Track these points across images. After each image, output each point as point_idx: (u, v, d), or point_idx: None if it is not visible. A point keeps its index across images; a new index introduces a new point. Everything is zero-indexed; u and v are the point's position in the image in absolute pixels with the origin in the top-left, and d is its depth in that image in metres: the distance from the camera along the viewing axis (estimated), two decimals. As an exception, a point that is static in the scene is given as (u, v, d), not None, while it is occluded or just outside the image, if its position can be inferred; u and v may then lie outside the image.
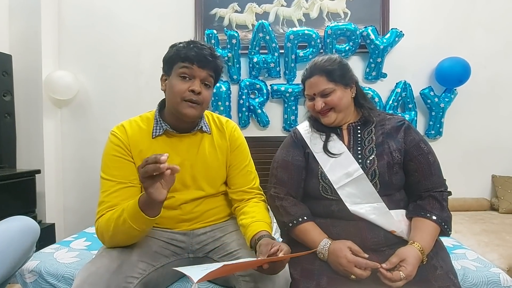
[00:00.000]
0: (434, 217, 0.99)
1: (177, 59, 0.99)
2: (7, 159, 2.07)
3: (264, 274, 0.87)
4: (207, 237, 1.10)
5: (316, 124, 1.15)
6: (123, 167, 1.01)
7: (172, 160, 1.05)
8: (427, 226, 0.99)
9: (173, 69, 1.01)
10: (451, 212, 1.04)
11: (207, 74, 1.01)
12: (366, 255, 0.93)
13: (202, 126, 1.10)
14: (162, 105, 1.11)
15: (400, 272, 0.88)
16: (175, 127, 1.06)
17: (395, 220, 1.00)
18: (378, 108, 1.23)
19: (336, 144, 1.09)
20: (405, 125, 1.10)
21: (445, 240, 1.17)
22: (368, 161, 1.05)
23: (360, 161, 1.05)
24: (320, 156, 1.09)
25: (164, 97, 1.09)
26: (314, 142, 1.12)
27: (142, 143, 1.04)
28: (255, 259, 0.86)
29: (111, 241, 0.94)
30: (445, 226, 1.01)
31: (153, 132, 1.06)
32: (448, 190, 1.07)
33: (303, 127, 1.18)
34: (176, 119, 1.05)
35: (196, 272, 0.76)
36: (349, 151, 1.07)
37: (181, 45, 1.01)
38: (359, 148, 1.08)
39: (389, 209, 1.01)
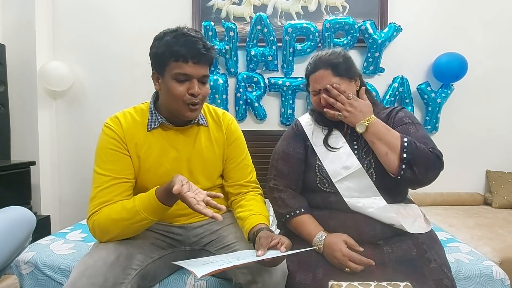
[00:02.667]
0: (406, 136, 0.98)
1: (169, 57, 0.92)
2: (1, 151, 2.05)
3: (262, 267, 0.88)
4: (204, 230, 1.09)
5: (320, 118, 1.14)
6: (119, 161, 0.98)
7: (168, 154, 1.04)
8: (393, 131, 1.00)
9: (166, 70, 0.94)
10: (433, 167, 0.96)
11: (203, 70, 0.95)
12: (361, 249, 0.94)
13: (198, 119, 1.07)
14: (156, 96, 1.07)
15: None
16: (171, 120, 1.03)
17: (393, 214, 1.00)
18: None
19: (337, 139, 1.09)
20: (396, 109, 1.11)
21: (439, 234, 1.19)
22: (364, 152, 1.05)
23: (356, 152, 1.06)
24: (319, 149, 1.09)
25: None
26: (316, 135, 1.12)
27: (137, 136, 1.01)
28: (254, 251, 0.86)
29: (113, 238, 0.93)
30: (409, 144, 0.95)
31: (148, 125, 1.02)
32: (440, 155, 0.98)
33: (305, 120, 1.18)
34: (173, 115, 1.02)
35: (197, 267, 0.76)
36: (345, 140, 1.08)
37: (169, 38, 0.92)
38: (355, 138, 1.08)
39: (387, 203, 1.01)
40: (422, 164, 0.94)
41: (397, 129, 1.04)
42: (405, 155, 0.95)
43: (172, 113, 1.01)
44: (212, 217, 0.81)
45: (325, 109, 1.07)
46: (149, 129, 1.02)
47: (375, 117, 1.02)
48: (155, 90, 1.07)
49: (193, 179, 1.08)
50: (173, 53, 0.91)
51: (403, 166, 0.95)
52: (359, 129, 1.01)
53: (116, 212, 0.90)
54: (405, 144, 0.95)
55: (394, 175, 0.97)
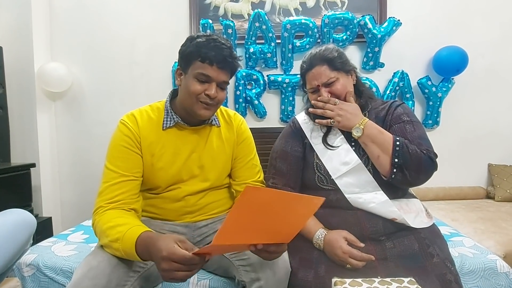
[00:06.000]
0: (399, 138, 0.98)
1: (196, 57, 0.96)
2: (1, 153, 2.04)
3: (265, 264, 0.87)
4: (209, 229, 1.10)
5: (318, 116, 1.14)
6: (129, 159, 0.99)
7: (181, 153, 1.06)
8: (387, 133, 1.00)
9: (190, 67, 0.98)
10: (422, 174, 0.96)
11: (224, 76, 0.99)
12: (362, 245, 0.94)
13: (211, 120, 1.09)
14: (172, 95, 1.09)
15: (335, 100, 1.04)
16: (186, 120, 1.05)
17: (394, 208, 1.00)
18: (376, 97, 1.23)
19: (336, 137, 1.09)
20: (395, 104, 1.10)
21: (442, 228, 1.18)
22: (361, 149, 1.05)
23: (354, 148, 1.05)
24: (318, 147, 1.09)
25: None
26: (314, 134, 1.12)
27: (152, 135, 1.03)
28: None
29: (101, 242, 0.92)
30: (401, 148, 0.95)
31: (163, 124, 1.04)
32: (434, 157, 0.97)
33: (302, 117, 1.18)
34: (188, 114, 1.04)
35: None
36: (344, 138, 1.07)
37: (200, 40, 0.96)
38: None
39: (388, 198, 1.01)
40: (413, 167, 0.95)
41: (394, 127, 1.04)
42: (396, 159, 0.95)
43: (187, 112, 1.03)
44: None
45: (316, 120, 1.08)
46: (164, 128, 1.04)
47: (367, 119, 1.03)
48: (172, 90, 1.10)
49: (203, 177, 1.09)
50: (201, 54, 0.95)
51: (394, 170, 0.96)
52: (356, 133, 1.01)
53: (108, 226, 0.86)
54: (397, 148, 0.96)
55: (386, 178, 0.98)
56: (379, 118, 1.08)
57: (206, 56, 0.95)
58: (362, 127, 1.00)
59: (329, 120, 1.05)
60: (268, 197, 0.72)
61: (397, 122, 1.05)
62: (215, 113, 1.12)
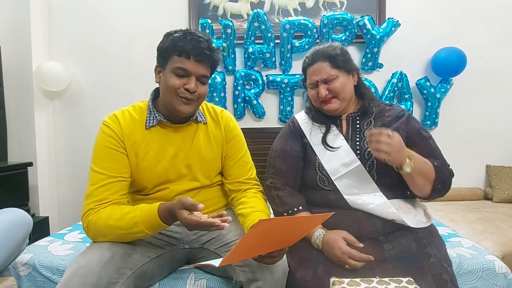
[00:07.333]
0: (435, 163, 1.00)
1: (173, 51, 0.94)
2: (-2, 152, 2.04)
3: (262, 264, 0.87)
4: (203, 228, 1.09)
5: (317, 115, 1.13)
6: (116, 159, 0.98)
7: (166, 151, 1.04)
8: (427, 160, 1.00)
9: (168, 63, 0.96)
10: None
11: (203, 70, 0.97)
12: (361, 245, 0.94)
13: (197, 117, 1.08)
14: (155, 94, 1.07)
15: (389, 130, 0.92)
16: (169, 118, 1.04)
17: (393, 209, 0.99)
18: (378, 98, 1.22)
19: (336, 138, 1.08)
20: (406, 115, 1.10)
21: (440, 229, 1.18)
22: (366, 153, 1.04)
23: (358, 152, 1.05)
24: (317, 148, 1.08)
25: (157, 86, 1.06)
26: (314, 134, 1.11)
27: (135, 134, 1.02)
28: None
29: (106, 241, 0.92)
30: (440, 173, 0.98)
31: (146, 123, 1.03)
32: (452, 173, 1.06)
33: (301, 117, 1.17)
34: (170, 111, 1.02)
35: (215, 261, 0.80)
36: (348, 142, 1.06)
37: (177, 35, 0.95)
38: (357, 139, 1.07)
39: (387, 199, 1.01)
40: (446, 188, 1.01)
41: (420, 143, 1.05)
42: (439, 186, 0.98)
43: (169, 109, 1.01)
44: (219, 225, 0.81)
45: (322, 104, 1.07)
46: (147, 127, 1.03)
47: (411, 150, 0.95)
48: (153, 89, 1.08)
49: (191, 176, 1.08)
50: (177, 48, 0.94)
51: (434, 193, 0.99)
52: (407, 169, 0.92)
53: (115, 219, 0.89)
54: (438, 175, 0.98)
55: (425, 200, 1.04)
56: (384, 125, 1.07)
57: (182, 50, 0.93)
58: (412, 162, 0.93)
59: (384, 156, 0.91)
60: (280, 224, 0.76)
61: (417, 137, 1.06)
62: (201, 110, 1.11)
